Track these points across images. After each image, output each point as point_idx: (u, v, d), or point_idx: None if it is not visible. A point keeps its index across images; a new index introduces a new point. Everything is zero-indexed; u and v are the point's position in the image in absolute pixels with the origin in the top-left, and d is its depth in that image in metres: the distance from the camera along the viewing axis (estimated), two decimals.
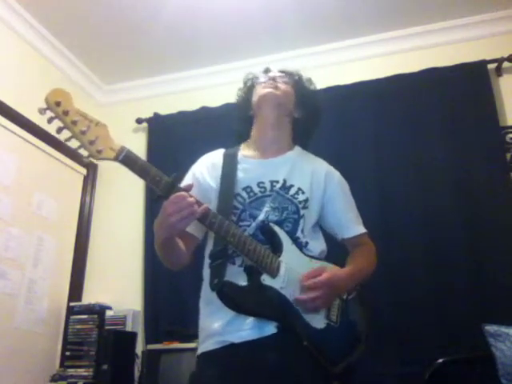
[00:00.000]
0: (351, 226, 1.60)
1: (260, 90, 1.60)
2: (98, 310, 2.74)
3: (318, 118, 1.71)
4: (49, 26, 2.96)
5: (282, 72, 1.65)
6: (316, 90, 1.72)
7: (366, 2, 2.82)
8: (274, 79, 1.60)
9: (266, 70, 1.68)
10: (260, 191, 1.47)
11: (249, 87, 1.69)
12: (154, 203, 1.28)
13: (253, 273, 1.33)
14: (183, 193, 1.22)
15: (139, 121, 3.35)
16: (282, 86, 1.59)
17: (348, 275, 1.47)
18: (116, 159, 1.18)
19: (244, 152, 1.59)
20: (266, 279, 1.32)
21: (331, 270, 1.42)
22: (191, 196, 1.23)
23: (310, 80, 1.71)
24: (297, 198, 1.48)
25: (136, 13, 2.84)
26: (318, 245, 1.51)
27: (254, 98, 1.62)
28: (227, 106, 2.99)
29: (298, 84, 1.65)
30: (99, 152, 1.16)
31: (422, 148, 2.73)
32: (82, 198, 3.21)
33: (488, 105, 2.72)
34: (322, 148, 2.66)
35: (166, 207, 1.22)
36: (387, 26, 3.01)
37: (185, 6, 2.79)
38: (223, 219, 1.29)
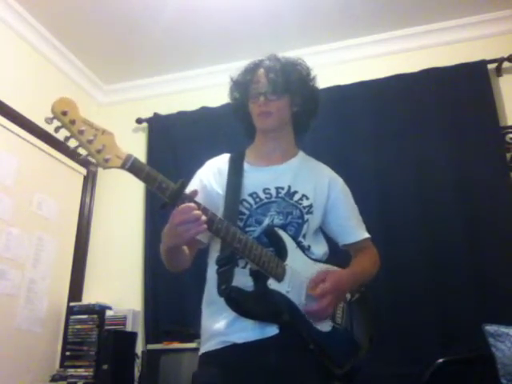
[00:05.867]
0: (354, 231, 1.61)
1: (254, 115, 1.55)
2: (98, 310, 2.74)
3: (317, 101, 1.64)
4: (49, 25, 2.96)
5: (271, 71, 1.52)
6: (308, 72, 1.61)
7: (366, 2, 2.82)
8: (265, 97, 1.50)
9: (254, 69, 1.57)
10: (266, 197, 1.47)
11: (242, 92, 1.60)
12: (159, 210, 1.26)
13: (259, 277, 1.33)
14: (191, 204, 1.21)
15: (139, 121, 3.35)
16: (274, 108, 1.51)
17: (351, 274, 1.49)
18: (123, 167, 1.18)
19: (249, 158, 1.59)
20: (272, 284, 1.32)
21: (335, 273, 1.42)
22: (199, 205, 1.23)
23: (300, 65, 1.59)
24: (301, 204, 1.49)
25: (136, 13, 2.84)
26: (320, 247, 1.52)
27: (253, 119, 1.57)
28: (227, 106, 2.96)
29: (292, 83, 1.54)
30: (106, 161, 1.16)
31: (422, 148, 2.73)
32: (82, 197, 3.21)
33: (488, 105, 2.72)
34: (322, 148, 2.69)
35: (173, 216, 1.22)
36: (387, 26, 3.01)
37: (185, 6, 2.79)
38: (229, 225, 1.29)
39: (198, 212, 1.21)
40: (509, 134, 2.69)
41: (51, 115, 1.11)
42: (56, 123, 1.13)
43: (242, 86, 1.59)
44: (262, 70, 1.55)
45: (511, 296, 2.34)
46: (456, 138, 2.70)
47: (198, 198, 1.26)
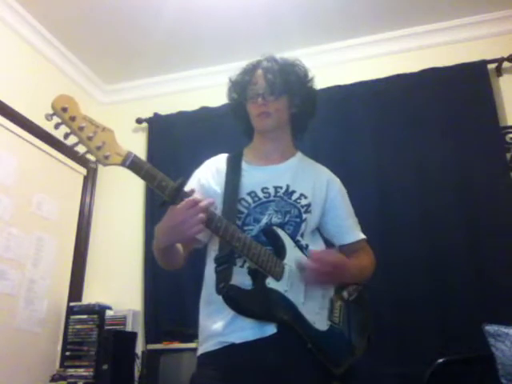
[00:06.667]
0: (351, 232, 1.62)
1: (253, 116, 1.55)
2: (98, 310, 2.74)
3: (315, 101, 1.64)
4: (49, 26, 2.96)
5: (269, 72, 1.52)
6: (306, 73, 1.61)
7: (366, 2, 2.82)
8: (263, 97, 1.50)
9: (252, 70, 1.57)
10: (264, 196, 1.48)
11: (240, 93, 1.61)
12: (158, 208, 1.27)
13: (257, 276, 1.33)
14: (196, 197, 1.22)
15: (139, 121, 3.35)
16: (273, 108, 1.51)
17: (352, 265, 1.48)
18: (123, 164, 1.18)
19: (247, 158, 1.59)
20: (270, 282, 1.33)
21: (340, 255, 1.43)
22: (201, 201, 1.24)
23: (298, 66, 1.59)
24: (299, 203, 1.49)
25: (136, 13, 2.84)
26: (317, 247, 1.52)
27: (251, 119, 1.57)
28: (227, 106, 2.98)
29: (290, 84, 1.54)
30: (106, 158, 1.16)
31: (422, 148, 2.73)
32: (82, 197, 3.21)
33: (488, 105, 2.72)
34: (322, 148, 2.70)
35: (176, 214, 1.22)
36: (387, 26, 3.01)
37: (185, 6, 2.79)
38: (228, 223, 1.29)
39: (203, 203, 1.21)
40: (509, 134, 2.69)
41: (51, 111, 1.11)
42: (56, 120, 1.13)
43: (240, 86, 1.59)
44: (260, 71, 1.55)
45: (511, 296, 2.34)
46: (456, 138, 2.70)
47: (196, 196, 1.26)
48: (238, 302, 1.30)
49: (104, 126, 1.18)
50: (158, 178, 1.20)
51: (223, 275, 1.33)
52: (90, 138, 1.14)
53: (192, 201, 1.21)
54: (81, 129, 1.13)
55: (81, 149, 1.18)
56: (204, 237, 1.47)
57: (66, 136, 1.15)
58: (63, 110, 1.12)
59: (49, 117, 1.12)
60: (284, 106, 1.54)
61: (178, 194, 1.22)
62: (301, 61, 1.62)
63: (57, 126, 1.14)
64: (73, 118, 1.13)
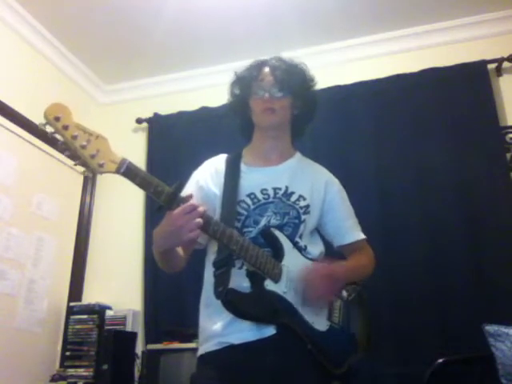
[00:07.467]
0: (350, 232, 1.62)
1: (257, 112, 1.55)
2: (98, 310, 2.74)
3: (315, 106, 1.66)
4: (49, 26, 2.96)
5: (276, 70, 1.53)
6: (311, 77, 1.62)
7: (366, 2, 2.82)
8: (269, 93, 1.50)
9: (259, 67, 1.58)
10: (264, 198, 1.48)
11: (244, 88, 1.61)
12: (155, 213, 1.28)
13: (256, 278, 1.33)
14: (194, 203, 1.23)
15: (139, 121, 3.35)
16: (278, 105, 1.51)
17: (347, 267, 1.49)
18: (117, 172, 1.18)
19: (246, 159, 1.59)
20: (269, 284, 1.33)
21: (329, 264, 1.43)
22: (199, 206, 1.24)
23: (303, 69, 1.61)
24: (298, 204, 1.49)
25: (136, 13, 2.84)
26: (316, 248, 1.52)
27: (253, 115, 1.57)
28: (227, 106, 2.98)
29: (296, 85, 1.55)
30: (101, 166, 1.16)
31: (422, 148, 2.73)
32: (82, 197, 3.21)
33: (488, 105, 2.72)
34: (322, 148, 2.70)
35: (174, 219, 1.22)
36: (387, 26, 3.01)
37: (185, 6, 2.79)
38: (225, 226, 1.30)
39: (201, 209, 1.22)
40: (509, 134, 2.68)
41: (44, 121, 1.12)
42: (50, 128, 1.14)
43: (246, 81, 1.59)
44: (267, 69, 1.56)
45: (511, 296, 2.34)
46: (456, 138, 2.70)
47: (195, 199, 1.27)
48: (236, 305, 1.30)
49: (98, 134, 1.17)
50: (153, 184, 1.20)
51: (221, 279, 1.33)
52: (83, 147, 1.15)
53: (189, 206, 1.22)
54: (74, 138, 1.14)
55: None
56: (203, 240, 1.47)
57: (61, 145, 1.15)
58: (56, 120, 1.12)
59: (42, 126, 1.12)
60: (288, 106, 1.55)
61: (174, 200, 1.22)
62: (305, 64, 1.62)
63: (51, 135, 1.15)
64: (66, 127, 1.13)
